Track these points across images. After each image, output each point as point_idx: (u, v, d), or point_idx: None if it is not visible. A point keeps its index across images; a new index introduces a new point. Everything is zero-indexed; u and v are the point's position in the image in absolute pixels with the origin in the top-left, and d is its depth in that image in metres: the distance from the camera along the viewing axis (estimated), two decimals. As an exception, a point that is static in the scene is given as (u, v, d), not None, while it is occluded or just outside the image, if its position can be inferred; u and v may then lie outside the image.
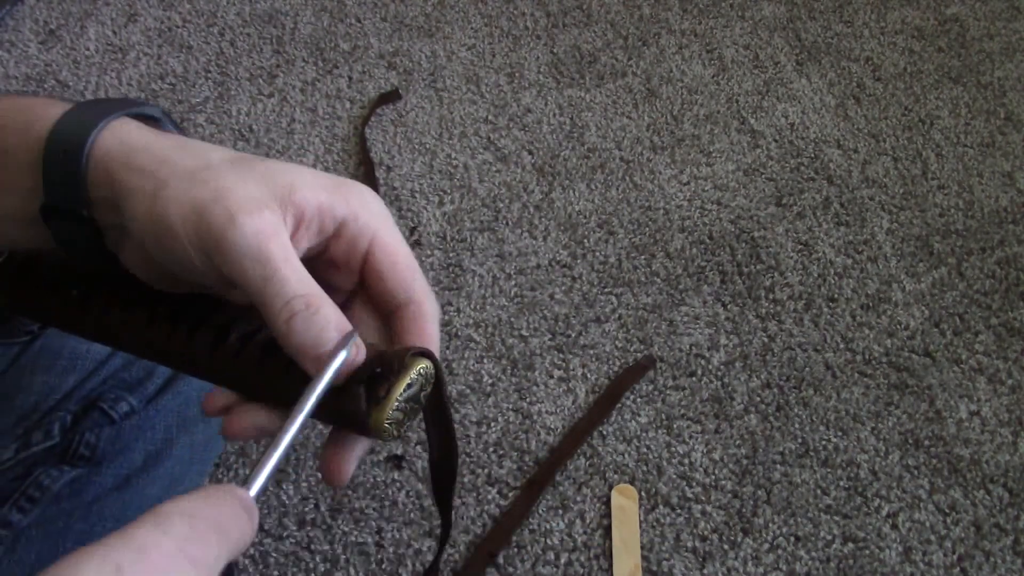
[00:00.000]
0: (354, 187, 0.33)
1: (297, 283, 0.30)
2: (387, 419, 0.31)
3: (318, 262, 0.34)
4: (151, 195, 0.30)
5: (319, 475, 0.75)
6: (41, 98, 0.34)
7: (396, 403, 0.31)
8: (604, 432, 0.80)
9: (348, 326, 0.31)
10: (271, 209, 0.30)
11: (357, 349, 0.31)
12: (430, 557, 0.71)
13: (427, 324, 0.34)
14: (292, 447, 0.28)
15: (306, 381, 0.31)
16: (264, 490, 0.28)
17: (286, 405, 0.32)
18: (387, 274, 0.33)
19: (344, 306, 0.35)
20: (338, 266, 0.34)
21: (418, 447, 0.77)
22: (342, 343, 0.30)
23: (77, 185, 0.31)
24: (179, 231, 0.30)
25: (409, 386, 0.31)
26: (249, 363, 0.32)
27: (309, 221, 0.32)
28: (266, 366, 0.32)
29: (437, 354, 0.33)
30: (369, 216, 0.33)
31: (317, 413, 0.32)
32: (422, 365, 0.31)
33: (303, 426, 0.29)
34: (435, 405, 0.34)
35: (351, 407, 0.31)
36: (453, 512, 0.74)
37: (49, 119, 0.32)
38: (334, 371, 0.30)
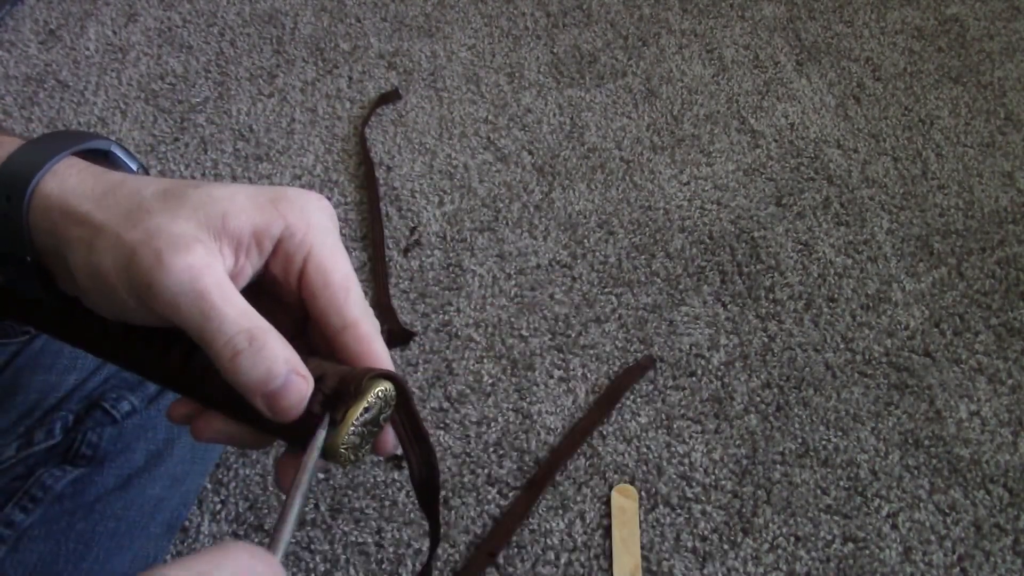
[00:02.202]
0: (294, 200, 0.32)
1: (238, 318, 0.29)
2: (343, 444, 0.30)
3: (267, 284, 0.33)
4: (87, 245, 0.29)
5: (319, 475, 0.75)
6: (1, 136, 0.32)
7: (352, 427, 0.29)
8: (604, 432, 0.80)
9: (296, 360, 0.29)
10: (203, 243, 0.29)
11: (307, 383, 0.29)
12: (430, 557, 0.71)
13: (369, 345, 0.32)
14: (301, 519, 0.28)
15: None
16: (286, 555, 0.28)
17: (250, 423, 0.32)
18: (319, 296, 0.32)
19: (303, 326, 0.34)
20: (280, 286, 0.32)
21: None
22: (322, 417, 0.29)
23: (19, 233, 0.30)
24: (113, 279, 0.29)
25: (367, 410, 0.30)
26: (215, 380, 0.31)
27: (248, 247, 0.31)
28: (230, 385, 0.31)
29: (391, 369, 0.32)
30: (306, 232, 0.31)
31: (275, 432, 0.31)
32: (380, 388, 0.30)
33: (304, 500, 0.29)
34: (407, 423, 0.33)
35: (305, 432, 0.30)
36: (452, 512, 0.74)
37: None
38: (319, 448, 0.29)
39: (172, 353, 0.32)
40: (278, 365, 0.29)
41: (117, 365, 0.35)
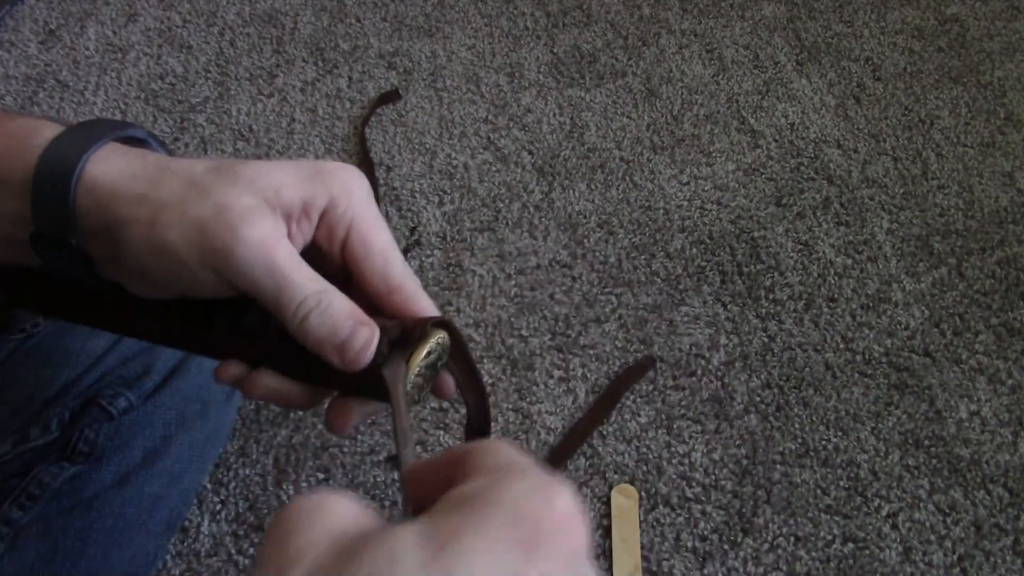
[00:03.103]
0: (335, 172, 0.33)
1: (305, 283, 0.31)
2: (410, 383, 0.32)
3: (312, 253, 0.34)
4: (147, 223, 0.31)
5: (319, 475, 0.75)
6: (31, 120, 0.33)
7: (417, 369, 0.32)
8: (604, 432, 0.80)
9: (358, 311, 0.32)
10: (270, 216, 0.31)
11: (372, 330, 0.31)
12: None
13: (417, 303, 0.34)
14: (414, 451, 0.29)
15: (321, 361, 0.32)
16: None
17: (306, 378, 0.34)
18: (363, 264, 0.34)
19: (346, 291, 0.36)
20: (324, 255, 0.34)
21: (417, 447, 0.76)
22: (390, 358, 0.31)
23: (66, 216, 0.31)
24: (183, 254, 0.30)
25: (429, 354, 0.32)
26: (268, 342, 0.33)
27: (299, 219, 0.32)
28: (285, 343, 0.33)
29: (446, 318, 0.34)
30: (349, 203, 0.33)
31: (337, 383, 0.34)
32: (439, 335, 0.33)
33: (413, 435, 0.31)
34: (463, 366, 0.35)
35: (369, 380, 0.32)
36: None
37: (37, 147, 0.32)
38: (404, 381, 0.31)
39: (215, 321, 0.34)
40: (343, 318, 0.31)
41: (152, 341, 0.37)
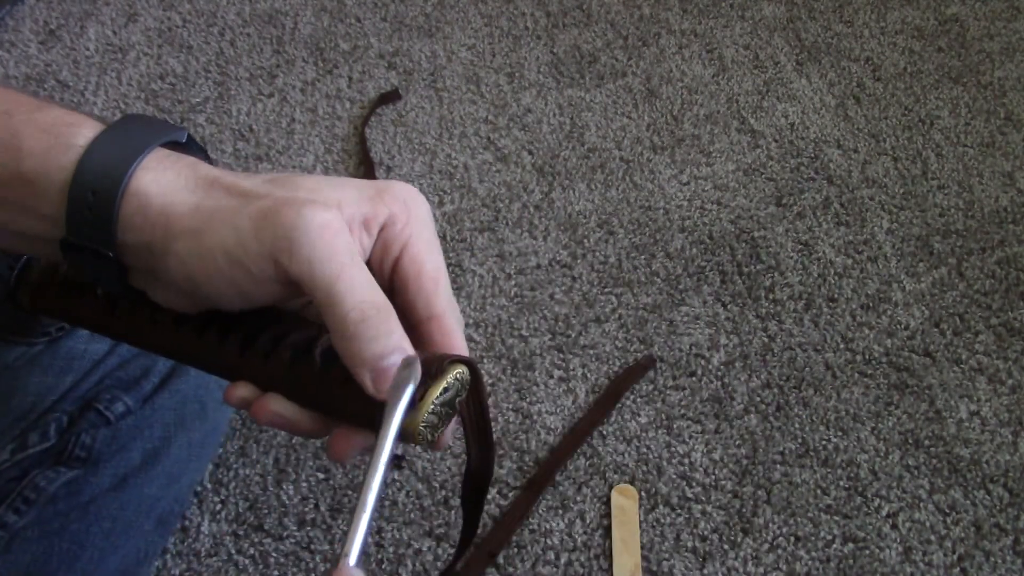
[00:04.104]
0: (397, 191, 0.32)
1: (366, 285, 0.29)
2: (422, 422, 0.30)
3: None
4: (196, 232, 0.29)
5: (319, 475, 0.75)
6: (66, 113, 0.31)
7: (432, 407, 0.30)
8: (604, 432, 0.80)
9: (410, 348, 0.30)
10: (333, 210, 0.30)
11: (412, 373, 0.29)
12: (430, 557, 0.71)
13: (451, 338, 0.33)
14: (379, 504, 0.28)
15: (338, 382, 0.30)
16: (364, 552, 0.27)
17: (315, 406, 0.32)
18: (411, 285, 0.32)
19: None
20: (373, 272, 0.33)
21: (417, 447, 0.76)
22: (406, 376, 0.29)
23: (107, 229, 0.29)
24: (237, 249, 0.29)
25: (445, 390, 0.31)
26: (279, 364, 0.32)
27: (359, 235, 0.31)
28: (296, 367, 0.32)
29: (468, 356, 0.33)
30: (407, 222, 0.32)
31: (345, 415, 0.32)
32: (458, 370, 0.31)
33: (385, 479, 0.29)
34: (475, 412, 0.34)
35: (376, 415, 0.30)
36: (452, 512, 0.74)
37: (74, 148, 0.30)
38: (402, 414, 0.29)
39: (229, 340, 0.33)
40: (395, 342, 0.29)
41: (165, 356, 0.36)
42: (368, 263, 0.32)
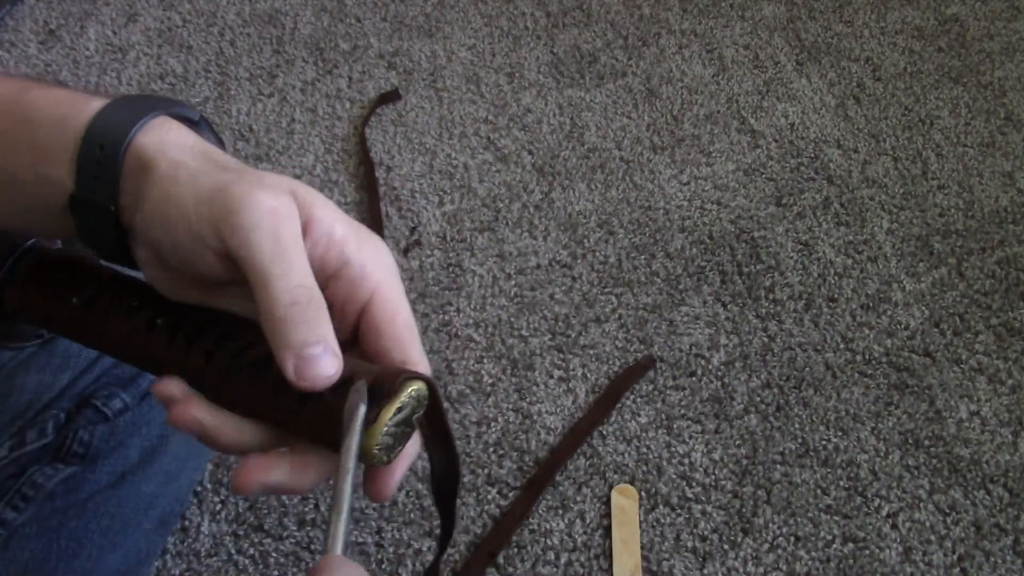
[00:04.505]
0: (371, 236, 0.33)
1: (304, 273, 0.29)
2: (376, 445, 0.29)
3: None
4: (171, 179, 0.30)
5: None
6: (78, 92, 0.33)
7: (386, 427, 0.29)
8: (604, 432, 0.80)
9: (336, 345, 0.30)
10: (289, 200, 0.30)
11: (339, 364, 0.30)
12: (430, 557, 0.71)
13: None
14: (352, 506, 0.28)
15: (292, 402, 0.30)
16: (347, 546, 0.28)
17: (269, 415, 0.32)
18: (384, 330, 0.32)
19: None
20: (332, 311, 0.32)
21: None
22: (356, 400, 0.29)
23: (112, 179, 0.31)
24: (190, 206, 0.29)
25: (400, 409, 0.30)
26: (239, 377, 0.31)
27: (316, 240, 0.31)
28: (255, 382, 0.31)
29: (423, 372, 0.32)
30: (377, 267, 0.32)
31: (307, 434, 0.31)
32: (414, 387, 0.30)
33: (354, 488, 0.29)
34: (434, 426, 0.33)
35: (335, 431, 0.29)
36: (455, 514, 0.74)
37: (85, 114, 0.31)
38: (360, 428, 0.29)
39: (196, 345, 0.33)
40: (323, 333, 0.29)
41: (134, 360, 0.35)
42: (328, 300, 0.32)
